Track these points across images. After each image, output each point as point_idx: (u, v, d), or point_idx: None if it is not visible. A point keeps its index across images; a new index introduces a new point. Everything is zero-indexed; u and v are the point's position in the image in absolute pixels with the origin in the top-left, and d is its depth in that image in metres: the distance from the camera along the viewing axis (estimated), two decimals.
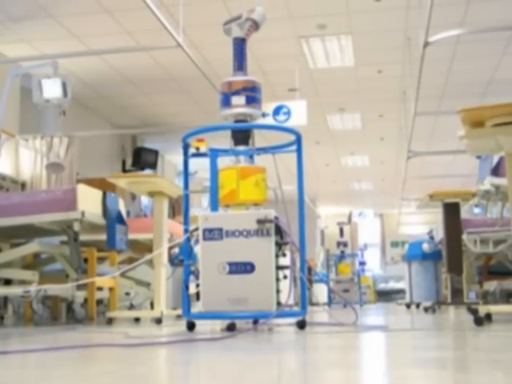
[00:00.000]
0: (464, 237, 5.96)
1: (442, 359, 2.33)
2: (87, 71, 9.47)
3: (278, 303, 3.75)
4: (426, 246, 8.63)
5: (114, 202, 5.62)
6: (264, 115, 4.15)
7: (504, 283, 6.10)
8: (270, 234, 3.70)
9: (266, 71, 9.57)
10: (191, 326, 3.87)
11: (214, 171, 4.09)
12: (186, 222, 4.12)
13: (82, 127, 9.80)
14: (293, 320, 3.93)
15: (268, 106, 8.64)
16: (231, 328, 3.67)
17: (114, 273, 5.66)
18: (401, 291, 17.47)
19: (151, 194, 5.49)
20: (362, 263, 15.79)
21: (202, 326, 4.28)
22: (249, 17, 4.27)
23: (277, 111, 9.02)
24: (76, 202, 5.16)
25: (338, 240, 13.86)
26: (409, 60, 8.72)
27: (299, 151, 4.21)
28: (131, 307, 6.72)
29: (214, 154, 4.22)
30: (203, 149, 4.10)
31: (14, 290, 5.44)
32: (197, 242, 3.93)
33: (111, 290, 6.04)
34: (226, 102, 4.05)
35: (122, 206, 5.80)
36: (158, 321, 5.06)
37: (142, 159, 12.43)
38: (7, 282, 5.89)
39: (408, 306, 8.93)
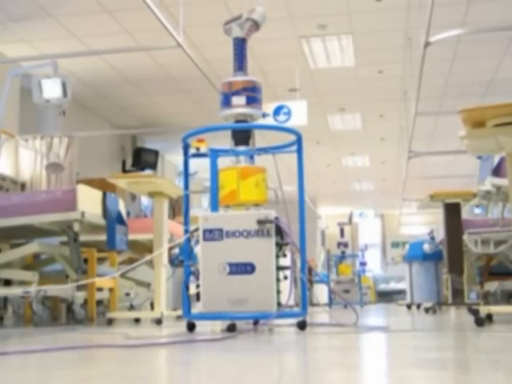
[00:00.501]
0: (465, 237, 5.95)
1: (443, 360, 2.33)
2: (87, 71, 9.47)
3: (279, 304, 3.74)
4: (426, 247, 8.62)
5: (114, 203, 5.61)
6: (264, 115, 4.14)
7: (505, 284, 6.09)
8: (271, 234, 3.69)
9: (267, 71, 9.57)
10: (191, 327, 3.86)
11: (215, 171, 4.08)
12: (186, 223, 4.11)
13: (81, 127, 9.79)
14: (293, 321, 3.93)
15: (268, 106, 8.63)
16: (231, 329, 3.66)
17: (114, 273, 5.65)
18: (401, 292, 17.47)
19: (151, 195, 5.48)
20: (363, 264, 15.79)
21: (202, 326, 4.27)
22: (249, 17, 4.26)
23: (277, 111, 9.01)
24: (76, 203, 5.15)
25: (338, 240, 13.86)
26: (409, 60, 8.72)
27: (299, 151, 4.20)
28: (131, 308, 6.71)
29: (214, 154, 4.21)
30: (203, 149, 4.09)
31: (14, 291, 5.43)
32: (197, 242, 3.92)
33: (111, 290, 6.03)
34: (227, 102, 4.05)
35: (122, 207, 5.79)
36: (158, 321, 5.05)
37: (142, 159, 12.43)
38: (7, 283, 5.88)
39: (409, 306, 8.93)
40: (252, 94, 4.13)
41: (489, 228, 5.86)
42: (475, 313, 4.12)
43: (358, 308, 8.48)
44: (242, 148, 4.14)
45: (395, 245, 22.58)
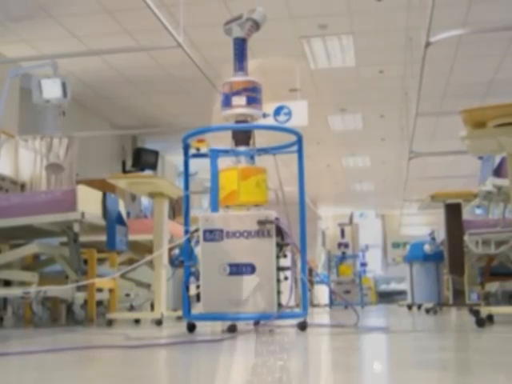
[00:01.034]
0: (466, 238, 5.94)
1: (444, 361, 2.32)
2: (87, 71, 9.46)
3: (279, 305, 3.74)
4: (427, 247, 8.61)
5: (114, 203, 5.60)
6: (265, 116, 4.13)
7: (506, 284, 6.08)
8: (271, 235, 3.68)
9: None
10: (191, 328, 3.85)
11: (215, 172, 4.07)
12: (186, 223, 4.11)
13: (81, 128, 9.79)
14: (294, 321, 3.92)
15: (269, 107, 8.63)
16: (232, 329, 3.65)
17: (114, 274, 5.64)
18: (402, 292, 17.48)
19: (151, 195, 5.47)
20: (363, 264, 15.78)
21: (202, 327, 4.26)
22: (249, 17, 4.25)
23: (277, 112, 9.01)
24: (76, 203, 5.14)
25: (339, 241, 13.86)
26: (410, 60, 8.71)
27: (300, 152, 4.19)
28: (131, 308, 6.71)
29: (214, 154, 4.20)
30: (204, 149, 4.09)
31: (14, 292, 5.42)
32: (197, 243, 3.91)
33: (111, 291, 6.02)
34: (227, 102, 4.13)
35: (122, 207, 5.78)
36: (159, 322, 5.04)
37: (142, 160, 12.43)
38: (7, 283, 5.87)
39: (409, 307, 8.92)
40: (252, 95, 4.12)
41: (490, 228, 5.85)
42: (476, 313, 4.11)
43: (358, 309, 8.48)
44: (242, 148, 4.14)
45: (396, 245, 22.57)
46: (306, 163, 4.16)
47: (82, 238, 5.62)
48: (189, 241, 4.15)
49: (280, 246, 3.81)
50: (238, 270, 3.72)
